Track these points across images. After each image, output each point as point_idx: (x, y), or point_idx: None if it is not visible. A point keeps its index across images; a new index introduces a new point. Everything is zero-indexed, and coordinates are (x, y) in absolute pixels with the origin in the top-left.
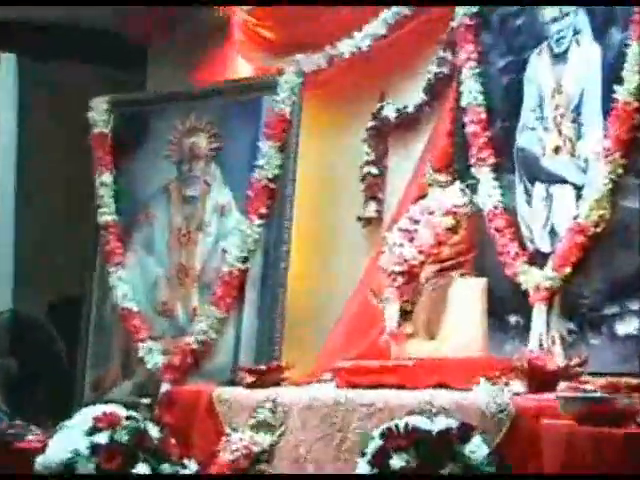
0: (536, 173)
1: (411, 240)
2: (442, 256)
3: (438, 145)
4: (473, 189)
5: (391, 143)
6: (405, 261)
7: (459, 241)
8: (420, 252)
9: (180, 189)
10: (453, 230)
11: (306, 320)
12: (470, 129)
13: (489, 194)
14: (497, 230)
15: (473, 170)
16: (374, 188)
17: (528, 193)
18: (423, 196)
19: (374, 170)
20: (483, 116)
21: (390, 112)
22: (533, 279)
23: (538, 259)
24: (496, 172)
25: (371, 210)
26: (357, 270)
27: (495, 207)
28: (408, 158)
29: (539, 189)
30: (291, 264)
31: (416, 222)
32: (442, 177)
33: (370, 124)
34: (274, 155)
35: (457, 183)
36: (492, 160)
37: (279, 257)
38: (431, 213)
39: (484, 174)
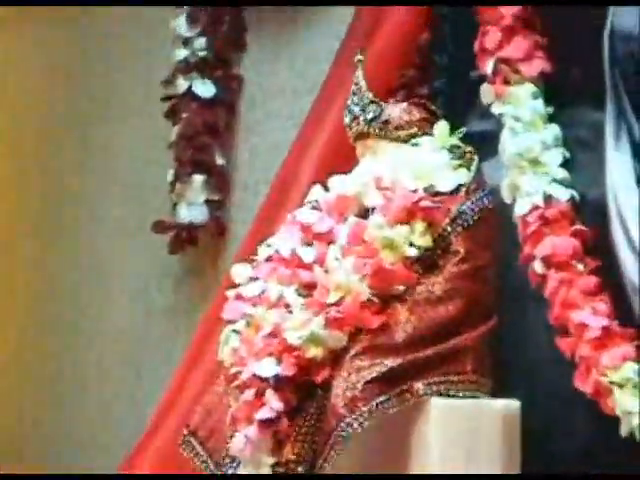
0: None
1: (308, 290)
2: (396, 333)
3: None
4: (483, 149)
5: None
6: (289, 348)
7: (444, 293)
8: (334, 321)
9: None
10: (425, 262)
11: None
12: None
13: (533, 159)
14: (551, 260)
15: (485, 97)
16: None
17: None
18: (333, 172)
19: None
20: None
21: None
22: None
23: None
24: (552, 101)
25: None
26: None
27: (548, 195)
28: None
29: None
30: None
31: (321, 236)
32: (393, 115)
33: None
34: None
35: (440, 132)
36: (539, 66)
37: None
38: (362, 216)
39: (518, 107)
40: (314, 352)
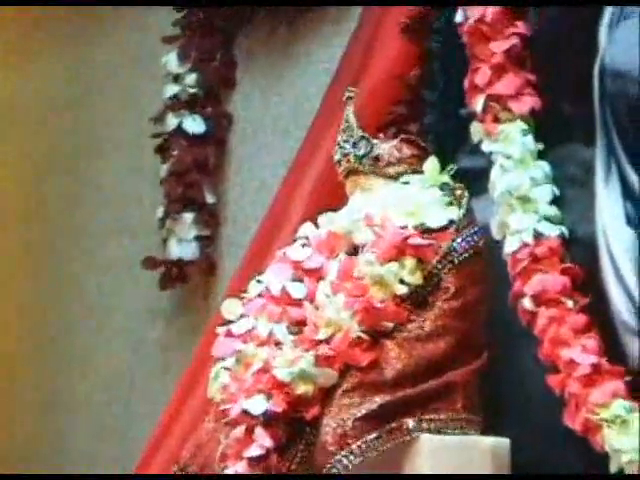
0: None
1: (299, 327)
2: (386, 370)
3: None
4: (473, 186)
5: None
6: (279, 385)
7: (434, 330)
8: (324, 358)
9: None
10: (415, 299)
11: None
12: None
13: (522, 197)
14: (541, 297)
15: (475, 134)
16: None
17: (630, 195)
18: (323, 209)
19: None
20: None
21: None
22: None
23: None
24: (541, 138)
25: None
26: None
27: (538, 233)
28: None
29: None
30: None
31: (312, 273)
32: (383, 152)
33: None
34: None
35: (430, 169)
36: (529, 103)
37: None
38: (352, 253)
39: (508, 144)
40: (304, 389)
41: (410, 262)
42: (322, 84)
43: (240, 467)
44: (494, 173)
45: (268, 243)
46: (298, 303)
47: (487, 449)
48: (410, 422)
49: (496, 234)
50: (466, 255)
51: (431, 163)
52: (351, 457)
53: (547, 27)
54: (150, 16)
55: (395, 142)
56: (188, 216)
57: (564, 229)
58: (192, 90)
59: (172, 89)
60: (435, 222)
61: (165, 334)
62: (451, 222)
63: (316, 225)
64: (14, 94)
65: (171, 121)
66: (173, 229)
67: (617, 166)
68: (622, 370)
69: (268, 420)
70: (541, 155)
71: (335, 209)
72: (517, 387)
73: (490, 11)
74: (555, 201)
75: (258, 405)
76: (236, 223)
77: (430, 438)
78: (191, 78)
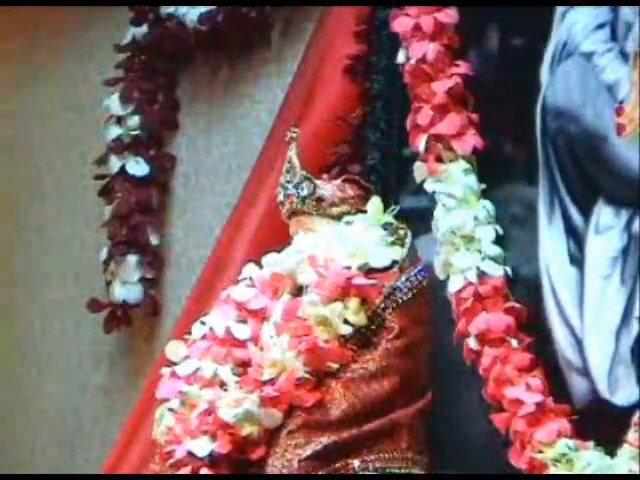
0: (601, 179)
1: (243, 368)
2: (331, 410)
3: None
4: (417, 225)
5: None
6: (224, 426)
7: (378, 370)
8: (269, 399)
9: None
10: (359, 339)
11: None
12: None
13: (466, 236)
14: (485, 337)
15: (418, 174)
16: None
17: (573, 233)
18: (267, 250)
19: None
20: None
21: None
22: None
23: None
24: (484, 178)
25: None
26: None
27: (481, 272)
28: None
29: (606, 219)
30: None
31: (256, 313)
32: (326, 192)
33: None
34: None
35: (373, 209)
36: (471, 142)
37: None
38: (296, 294)
39: (451, 184)
40: (249, 430)
41: (354, 302)
42: (264, 125)
43: None
44: (437, 212)
45: (212, 284)
46: (242, 344)
47: None
48: (355, 462)
49: (440, 273)
50: (410, 295)
51: (374, 203)
52: None
53: (488, 66)
54: (91, 61)
55: (338, 182)
56: (132, 258)
57: (508, 268)
58: (135, 132)
59: (115, 131)
60: (379, 262)
61: (109, 377)
62: (394, 262)
63: (260, 266)
64: None
65: (114, 163)
66: (117, 271)
67: (560, 204)
68: (567, 408)
69: (213, 461)
70: (484, 194)
71: (279, 250)
72: (461, 426)
73: (432, 50)
74: (498, 240)
75: (203, 446)
76: (180, 265)
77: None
78: (134, 120)
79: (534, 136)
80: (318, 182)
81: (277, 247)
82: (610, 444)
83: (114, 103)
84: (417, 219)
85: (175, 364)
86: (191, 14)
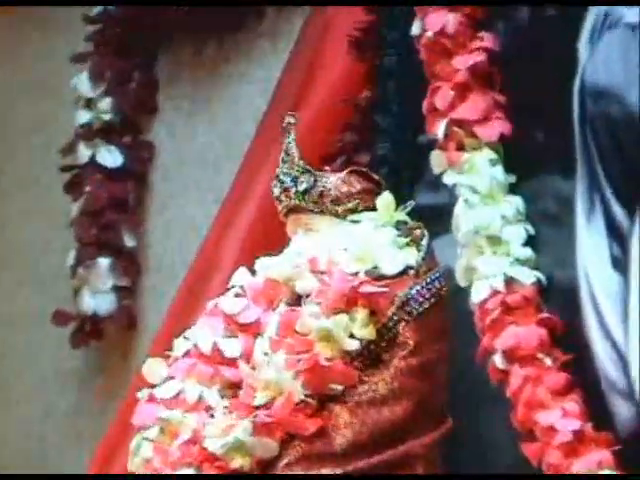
0: None
1: (233, 390)
2: (334, 440)
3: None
4: (434, 225)
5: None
6: (210, 458)
7: (389, 393)
8: (263, 427)
9: None
10: (367, 356)
11: None
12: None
13: (492, 237)
14: (514, 354)
15: (436, 165)
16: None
17: (616, 234)
18: (260, 253)
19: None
20: None
21: None
22: None
23: None
24: (513, 169)
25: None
26: None
27: (510, 278)
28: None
29: None
30: None
31: (247, 327)
32: (329, 186)
33: None
34: None
35: (384, 206)
36: (498, 128)
37: None
38: (294, 304)
39: (474, 176)
40: (239, 462)
41: (361, 314)
42: (257, 108)
43: None
44: (459, 209)
45: (197, 293)
46: (232, 362)
47: None
48: None
49: (461, 280)
50: (426, 305)
51: (385, 199)
52: None
53: (517, 40)
54: (59, 35)
55: (343, 175)
56: (104, 262)
57: (540, 274)
58: (106, 117)
59: (84, 116)
60: (390, 267)
61: (78, 398)
62: (408, 267)
63: (252, 271)
64: None
65: (83, 152)
66: (86, 278)
67: (601, 199)
68: (609, 437)
69: None
70: (512, 189)
71: (274, 253)
72: (486, 458)
73: (452, 22)
74: (529, 242)
75: None
76: (160, 270)
77: None
78: (105, 103)
79: (571, 121)
80: (319, 175)
81: (272, 250)
82: None
83: (83, 83)
84: (435, 217)
85: (154, 386)
86: None
